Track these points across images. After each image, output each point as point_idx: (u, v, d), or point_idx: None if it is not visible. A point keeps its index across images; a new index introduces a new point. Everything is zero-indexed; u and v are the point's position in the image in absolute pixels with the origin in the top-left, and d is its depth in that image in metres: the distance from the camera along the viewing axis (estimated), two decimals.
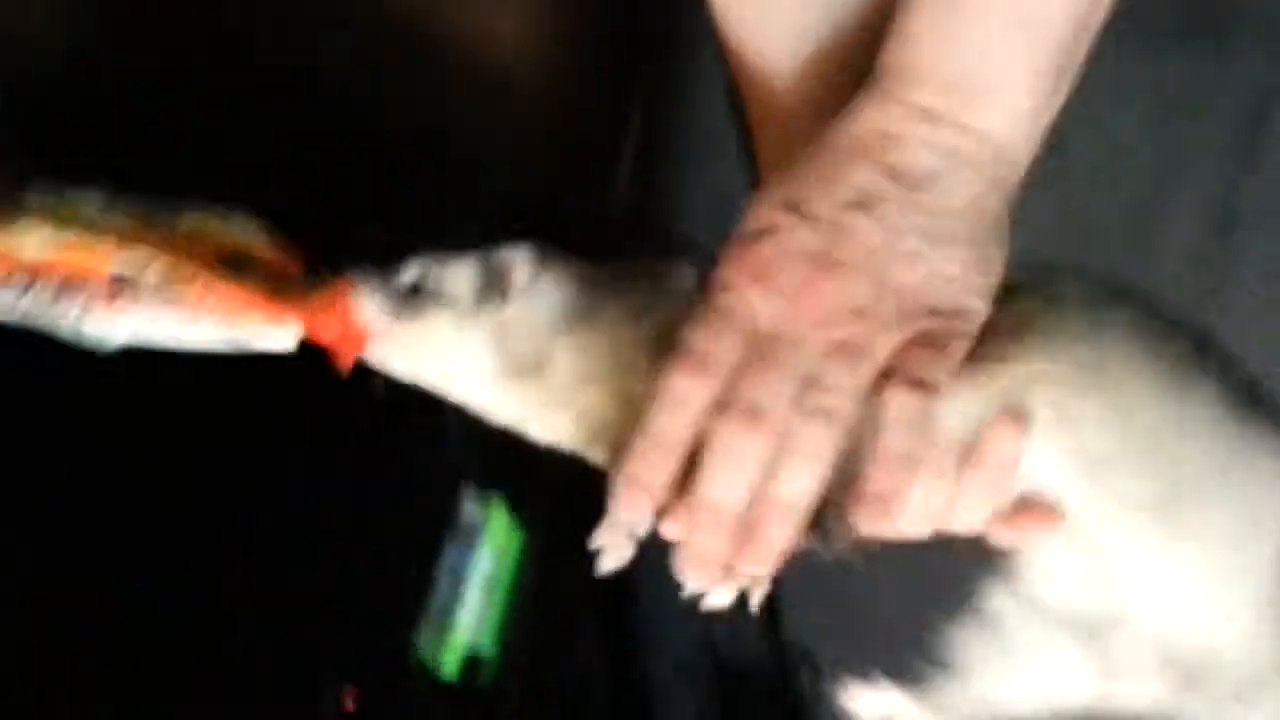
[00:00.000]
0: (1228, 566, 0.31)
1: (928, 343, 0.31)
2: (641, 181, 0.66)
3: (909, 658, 0.37)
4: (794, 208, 0.32)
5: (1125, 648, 0.32)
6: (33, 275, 0.36)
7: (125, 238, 0.37)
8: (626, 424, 0.32)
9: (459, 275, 0.38)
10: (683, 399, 0.31)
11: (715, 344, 0.31)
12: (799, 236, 0.31)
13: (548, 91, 0.59)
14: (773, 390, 0.30)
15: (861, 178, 0.31)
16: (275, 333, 0.38)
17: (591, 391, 0.35)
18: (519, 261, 0.37)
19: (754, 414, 0.30)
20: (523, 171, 0.56)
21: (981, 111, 0.32)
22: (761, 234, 0.32)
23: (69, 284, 0.36)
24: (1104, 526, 0.31)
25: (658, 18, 0.67)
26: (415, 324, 0.37)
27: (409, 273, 0.38)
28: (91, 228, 0.37)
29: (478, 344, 0.37)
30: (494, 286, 0.37)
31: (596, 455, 0.35)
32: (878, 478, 0.30)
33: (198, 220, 0.39)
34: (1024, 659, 0.34)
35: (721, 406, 0.30)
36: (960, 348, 0.31)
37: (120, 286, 0.36)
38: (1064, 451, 0.31)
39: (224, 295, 0.37)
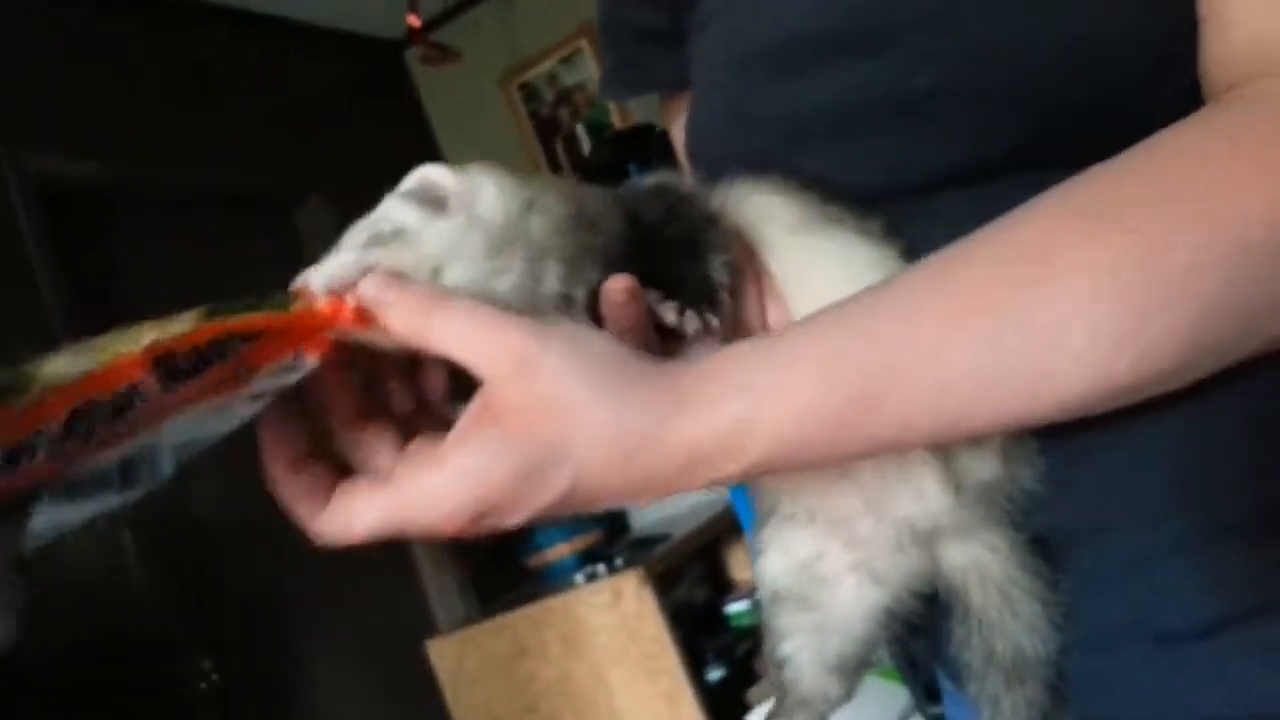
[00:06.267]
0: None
1: None
2: None
3: None
4: None
5: None
6: (84, 397, 0.29)
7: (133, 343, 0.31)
8: None
9: (397, 211, 0.39)
10: None
11: None
12: None
13: None
14: None
15: None
16: (306, 360, 0.34)
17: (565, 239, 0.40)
18: (436, 176, 0.39)
19: None
20: None
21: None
22: None
23: (120, 397, 0.30)
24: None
25: None
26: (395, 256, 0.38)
27: (351, 241, 0.38)
28: (100, 350, 0.31)
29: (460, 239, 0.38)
30: (433, 204, 0.39)
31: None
32: None
33: (150, 326, 0.32)
34: None
35: None
36: None
37: (162, 373, 0.30)
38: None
39: (252, 353, 0.33)
